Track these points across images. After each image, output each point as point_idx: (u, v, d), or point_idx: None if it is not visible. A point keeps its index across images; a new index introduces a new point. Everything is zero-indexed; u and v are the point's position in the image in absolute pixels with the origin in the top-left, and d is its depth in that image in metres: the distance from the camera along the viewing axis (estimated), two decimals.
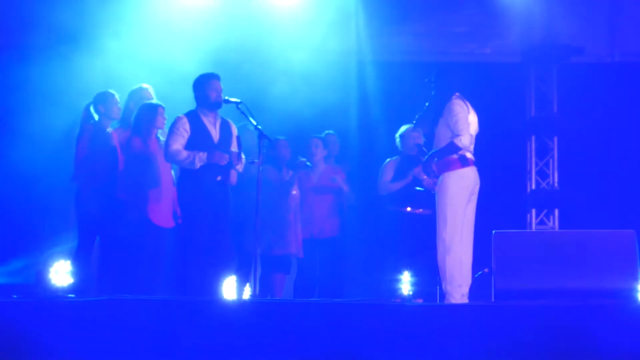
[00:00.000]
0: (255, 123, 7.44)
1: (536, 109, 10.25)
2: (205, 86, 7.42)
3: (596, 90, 9.79)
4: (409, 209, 8.50)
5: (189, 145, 7.33)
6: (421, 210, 8.45)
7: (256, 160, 7.46)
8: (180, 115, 7.44)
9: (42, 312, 5.60)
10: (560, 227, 10.03)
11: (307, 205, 8.68)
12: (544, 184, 10.19)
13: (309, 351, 5.45)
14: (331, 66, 9.67)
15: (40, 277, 7.83)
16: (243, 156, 7.51)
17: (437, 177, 6.88)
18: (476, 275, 7.29)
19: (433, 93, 7.02)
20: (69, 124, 8.31)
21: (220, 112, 7.54)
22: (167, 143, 7.39)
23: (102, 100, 7.81)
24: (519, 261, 6.66)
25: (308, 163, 8.51)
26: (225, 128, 7.52)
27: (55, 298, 6.48)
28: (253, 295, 7.36)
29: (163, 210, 7.67)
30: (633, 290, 6.50)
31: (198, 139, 7.35)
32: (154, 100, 7.84)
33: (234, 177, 7.63)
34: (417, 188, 8.47)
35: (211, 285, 7.24)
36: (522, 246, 6.75)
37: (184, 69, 8.38)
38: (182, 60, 8.86)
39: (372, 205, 8.86)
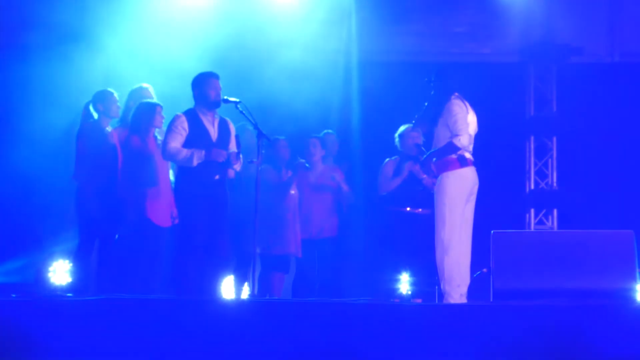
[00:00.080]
0: (254, 122, 7.44)
1: (535, 108, 10.24)
2: (204, 85, 7.39)
3: (595, 90, 9.77)
4: (408, 209, 8.49)
5: (187, 144, 7.30)
6: (420, 209, 8.44)
7: (255, 160, 7.46)
8: (178, 113, 7.41)
9: (41, 311, 5.61)
10: (559, 227, 10.01)
11: (305, 205, 8.67)
12: (542, 184, 10.18)
13: (307, 351, 5.46)
14: (331, 66, 9.68)
15: (39, 277, 7.82)
16: (241, 156, 7.50)
17: (436, 177, 6.88)
18: (475, 275, 7.28)
19: (432, 93, 7.03)
20: (68, 123, 8.31)
21: (219, 111, 7.52)
22: (165, 141, 7.35)
23: (101, 98, 7.80)
24: (517, 261, 6.67)
25: (307, 165, 8.51)
26: (223, 127, 7.50)
27: (53, 297, 6.48)
28: (252, 294, 7.37)
29: (161, 209, 7.67)
30: (631, 290, 6.51)
31: (196, 137, 7.32)
32: (153, 99, 7.84)
33: (231, 173, 7.59)
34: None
35: (209, 284, 7.22)
36: (520, 246, 6.76)
37: (183, 67, 8.37)
38: (182, 59, 8.85)
39: (371, 205, 8.85)
